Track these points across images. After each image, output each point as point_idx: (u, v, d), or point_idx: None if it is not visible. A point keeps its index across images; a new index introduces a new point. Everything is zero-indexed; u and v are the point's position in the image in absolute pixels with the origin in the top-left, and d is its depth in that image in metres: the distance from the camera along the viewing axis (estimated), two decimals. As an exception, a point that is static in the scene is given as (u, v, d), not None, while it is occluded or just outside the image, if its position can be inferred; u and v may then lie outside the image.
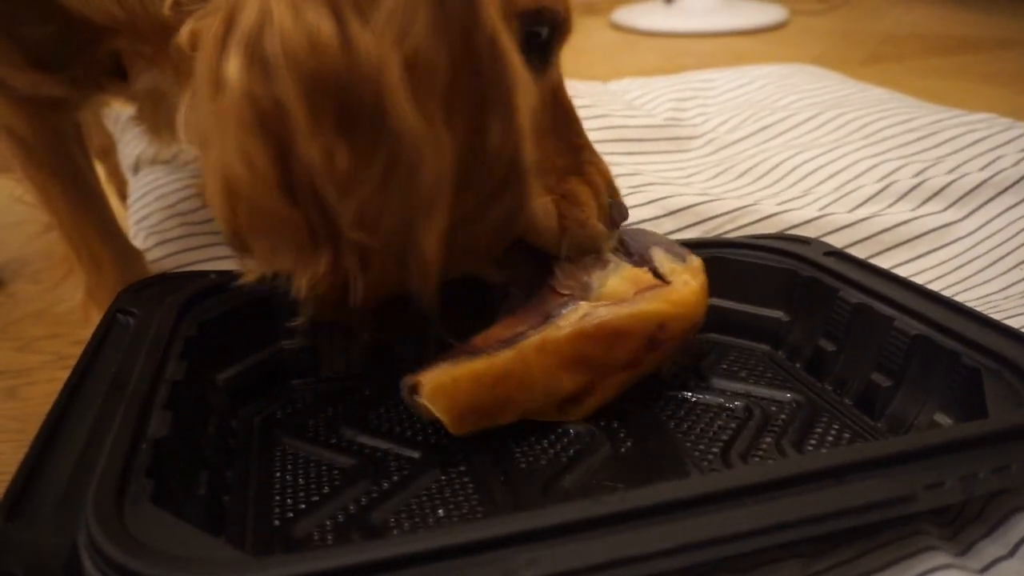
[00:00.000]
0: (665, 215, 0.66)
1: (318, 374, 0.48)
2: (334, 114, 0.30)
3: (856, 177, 0.73)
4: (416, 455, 0.42)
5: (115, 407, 0.34)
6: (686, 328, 0.44)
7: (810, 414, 0.45)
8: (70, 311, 0.64)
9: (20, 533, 0.27)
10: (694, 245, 0.51)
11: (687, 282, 0.43)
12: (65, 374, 0.68)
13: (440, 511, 0.37)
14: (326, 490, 0.39)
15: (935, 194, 0.67)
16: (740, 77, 0.97)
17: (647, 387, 0.46)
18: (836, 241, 0.60)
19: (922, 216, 0.65)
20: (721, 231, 0.65)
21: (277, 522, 0.37)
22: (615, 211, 0.44)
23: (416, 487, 0.39)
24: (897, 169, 0.72)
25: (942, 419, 0.40)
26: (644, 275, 0.43)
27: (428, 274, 0.35)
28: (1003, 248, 0.61)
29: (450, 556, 0.25)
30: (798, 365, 0.49)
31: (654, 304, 0.40)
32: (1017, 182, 0.66)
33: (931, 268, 0.62)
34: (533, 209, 0.40)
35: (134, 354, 0.38)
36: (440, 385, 0.39)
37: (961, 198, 0.66)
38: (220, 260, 0.66)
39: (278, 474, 0.40)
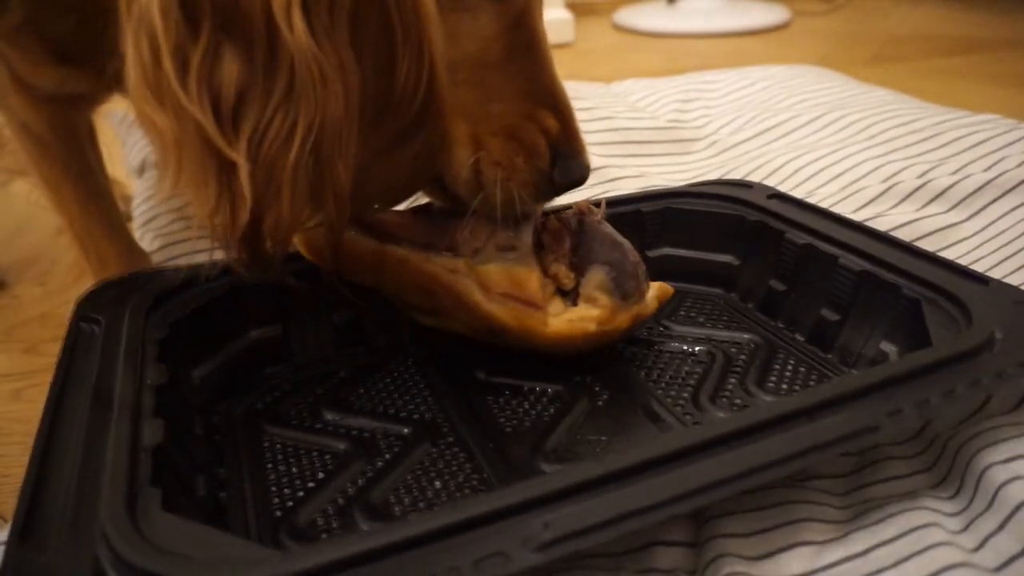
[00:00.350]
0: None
1: (292, 361, 0.48)
2: (216, 23, 0.29)
3: (860, 178, 0.73)
4: (405, 431, 0.42)
5: (104, 420, 0.33)
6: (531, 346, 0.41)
7: (768, 353, 0.47)
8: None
9: (35, 556, 0.27)
10: (645, 198, 0.53)
11: (573, 320, 0.40)
12: (71, 376, 0.69)
13: (437, 483, 0.38)
14: (321, 475, 0.39)
15: (939, 195, 0.67)
16: (743, 79, 0.97)
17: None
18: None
19: (926, 217, 0.65)
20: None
21: (279, 512, 0.37)
22: (559, 172, 0.40)
23: (410, 462, 0.39)
24: (901, 170, 0.72)
25: (887, 347, 0.43)
26: (531, 282, 0.39)
27: (340, 205, 0.34)
28: (1008, 249, 0.61)
29: (470, 528, 0.26)
30: (751, 306, 0.52)
31: (500, 312, 0.39)
32: (1021, 183, 0.66)
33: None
34: (453, 156, 0.38)
35: (110, 364, 0.37)
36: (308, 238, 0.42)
37: (965, 199, 0.66)
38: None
39: (270, 465, 0.40)
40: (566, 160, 0.40)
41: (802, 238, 0.49)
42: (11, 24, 0.45)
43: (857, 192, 0.70)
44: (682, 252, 0.54)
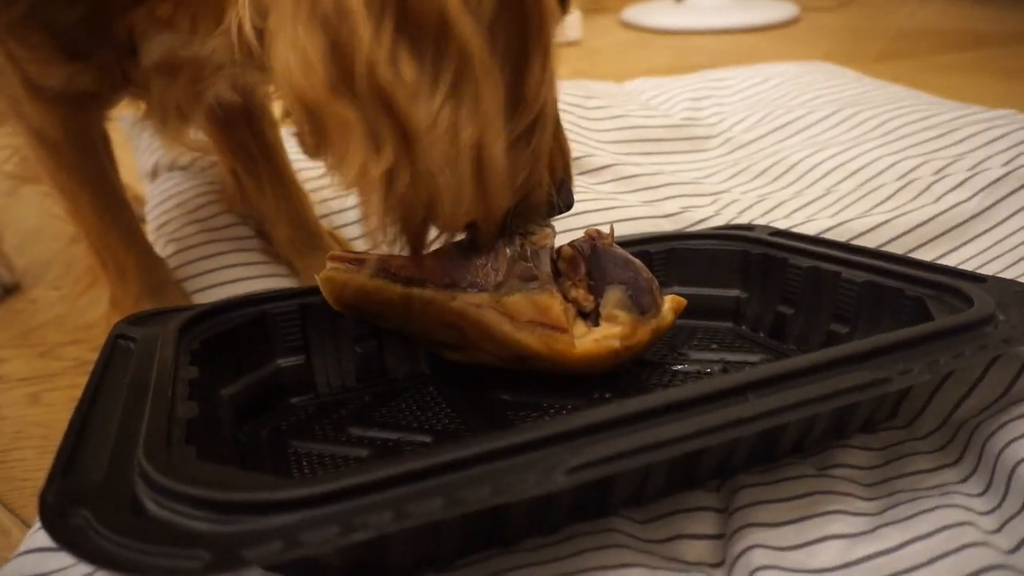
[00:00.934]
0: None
1: (315, 391, 0.48)
2: (396, 21, 0.31)
3: (876, 175, 0.72)
4: (428, 439, 0.42)
5: (141, 400, 0.35)
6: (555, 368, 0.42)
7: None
8: (94, 322, 0.64)
9: (77, 485, 0.29)
10: (651, 240, 0.55)
11: (598, 340, 0.42)
12: (87, 380, 0.69)
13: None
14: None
15: (954, 189, 0.67)
16: (755, 76, 0.97)
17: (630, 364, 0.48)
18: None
19: (945, 211, 0.64)
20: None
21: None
22: (563, 194, 0.42)
23: None
24: (918, 166, 0.72)
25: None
26: (555, 307, 0.41)
27: (499, 193, 0.36)
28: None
29: (504, 456, 0.28)
30: (761, 334, 0.53)
31: (529, 339, 0.41)
32: (1040, 178, 0.65)
33: (966, 261, 0.61)
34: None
35: (146, 364, 0.38)
36: (331, 279, 0.43)
37: (983, 193, 0.65)
38: (240, 267, 0.66)
39: (295, 471, 0.40)
40: (565, 184, 0.42)
41: (805, 261, 0.50)
42: (15, 16, 0.45)
43: (875, 189, 0.69)
44: (690, 290, 0.55)
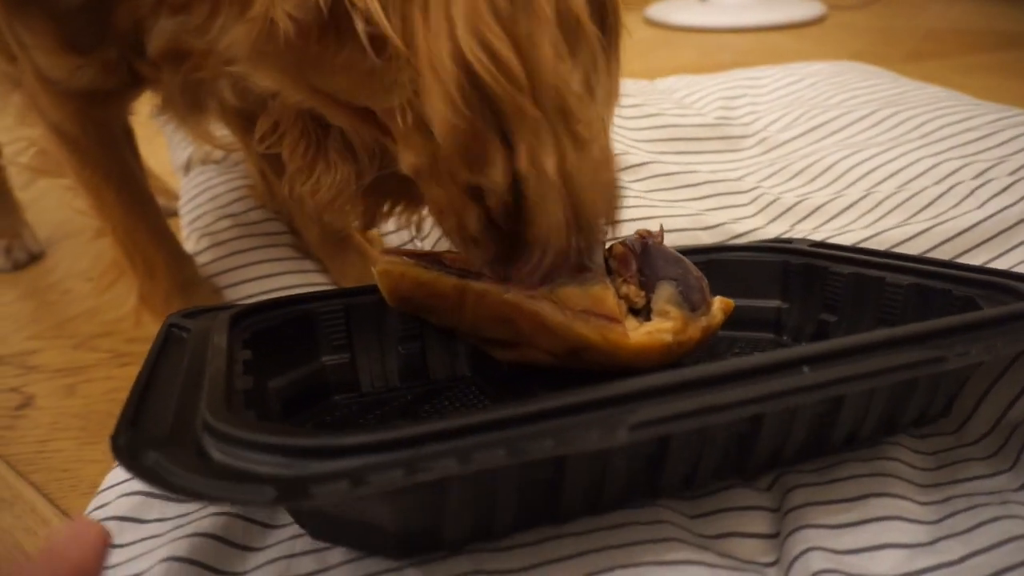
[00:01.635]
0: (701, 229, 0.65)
1: (359, 389, 0.49)
2: (557, 14, 0.32)
3: (916, 177, 0.71)
4: None
5: (198, 374, 0.35)
6: (615, 365, 0.43)
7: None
8: (122, 317, 0.64)
9: (143, 435, 0.30)
10: (689, 252, 0.54)
11: (651, 332, 0.42)
12: (122, 371, 0.69)
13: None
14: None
15: (999, 193, 0.65)
16: (789, 75, 0.96)
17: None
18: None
19: (989, 217, 0.63)
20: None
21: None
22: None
23: None
24: (958, 169, 0.70)
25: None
26: (608, 297, 0.41)
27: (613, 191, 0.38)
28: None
29: (567, 413, 0.29)
30: (803, 343, 0.52)
31: (584, 329, 0.41)
32: (1086, 183, 0.64)
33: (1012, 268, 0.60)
34: None
35: (200, 348, 0.39)
36: (388, 272, 0.45)
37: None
38: (272, 262, 0.66)
39: None
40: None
41: (847, 268, 0.50)
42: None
43: (916, 193, 0.68)
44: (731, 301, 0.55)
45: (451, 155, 0.34)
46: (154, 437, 0.30)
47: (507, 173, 0.34)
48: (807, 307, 0.52)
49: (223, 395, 0.32)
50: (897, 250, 0.61)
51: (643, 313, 0.44)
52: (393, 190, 0.47)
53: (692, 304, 0.43)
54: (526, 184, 0.34)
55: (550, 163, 0.33)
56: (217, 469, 0.27)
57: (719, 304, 0.46)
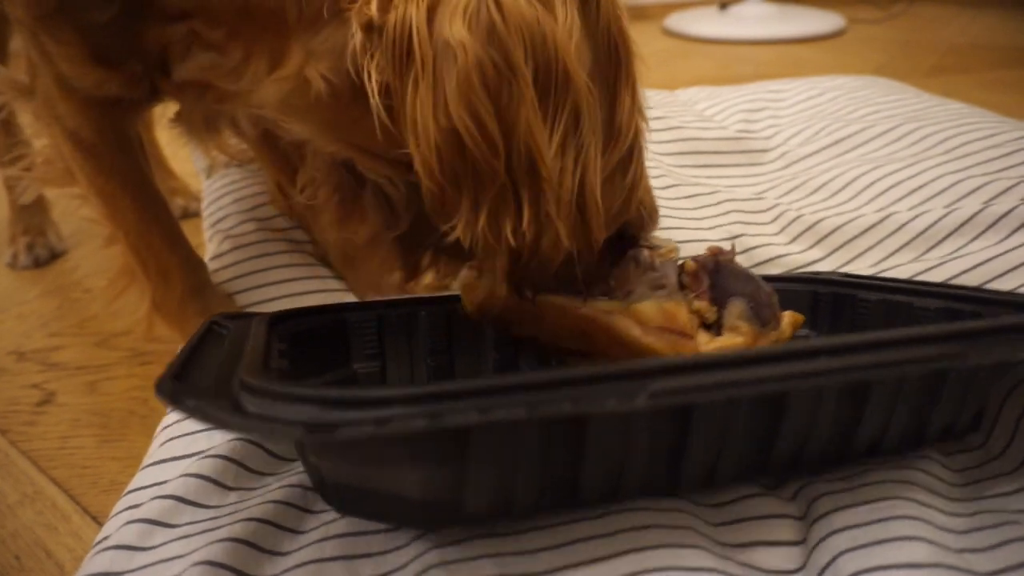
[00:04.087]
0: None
1: None
2: (537, 76, 0.34)
3: (937, 194, 0.71)
4: None
5: (237, 357, 0.36)
6: None
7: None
8: (134, 323, 0.64)
9: (188, 389, 0.32)
10: None
11: (721, 348, 0.44)
12: (142, 370, 0.70)
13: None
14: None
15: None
16: (811, 88, 0.95)
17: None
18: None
19: (1007, 252, 0.62)
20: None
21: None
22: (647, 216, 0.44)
23: None
24: (981, 187, 0.70)
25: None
26: (682, 313, 0.43)
27: (598, 226, 0.38)
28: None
29: (590, 382, 0.30)
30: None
31: (658, 344, 0.42)
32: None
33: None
34: None
35: (240, 340, 0.40)
36: (471, 286, 0.46)
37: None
38: (294, 267, 0.66)
39: None
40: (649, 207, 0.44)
41: (874, 295, 0.50)
42: (48, 8, 0.45)
43: (950, 211, 0.67)
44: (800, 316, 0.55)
45: (430, 211, 0.37)
46: (194, 388, 0.32)
47: (469, 231, 0.36)
48: (835, 334, 0.52)
49: (261, 364, 0.34)
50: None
51: (714, 328, 0.45)
52: (433, 242, 0.48)
53: (762, 320, 0.44)
54: (479, 241, 0.37)
55: (508, 226, 0.35)
56: (252, 415, 0.29)
57: (789, 319, 0.46)
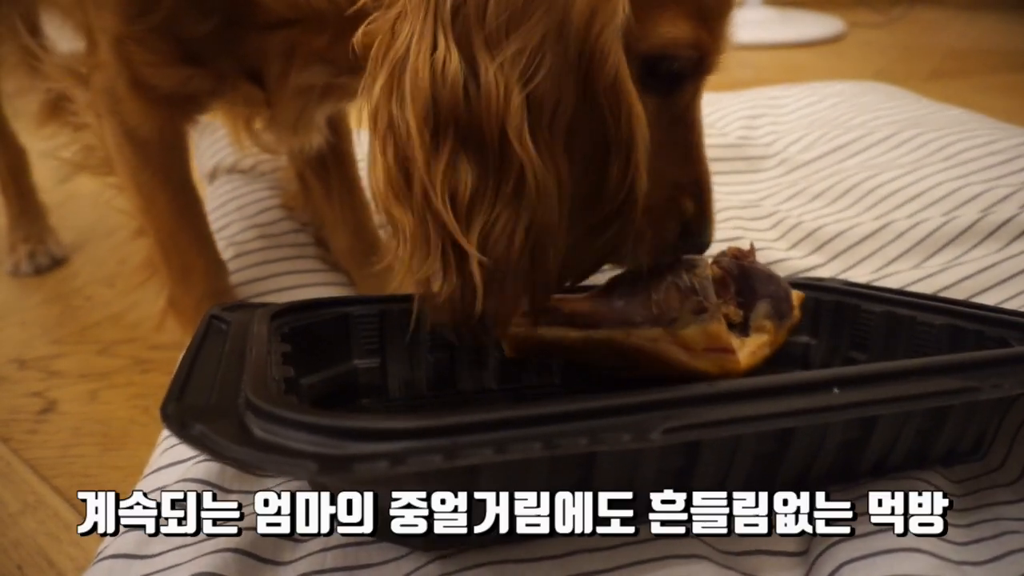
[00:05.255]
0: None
1: (387, 394, 0.49)
2: (457, 138, 0.33)
3: (937, 201, 0.71)
4: None
5: (239, 359, 0.36)
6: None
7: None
8: (146, 317, 0.64)
9: (191, 405, 0.32)
10: None
11: (754, 352, 0.45)
12: (144, 378, 0.70)
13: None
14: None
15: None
16: (811, 94, 0.96)
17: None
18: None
19: (1006, 260, 0.62)
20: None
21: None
22: (682, 244, 0.43)
23: None
24: (981, 194, 0.70)
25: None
26: (723, 332, 0.44)
27: (546, 291, 0.38)
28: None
29: (603, 415, 0.30)
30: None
31: (705, 365, 0.43)
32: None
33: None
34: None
35: (241, 337, 0.40)
36: (513, 336, 0.45)
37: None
38: (299, 274, 0.66)
39: None
40: (692, 236, 0.43)
41: (878, 307, 0.50)
42: (150, 25, 0.46)
43: (937, 230, 0.67)
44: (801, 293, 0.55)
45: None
46: (199, 410, 0.31)
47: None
48: (836, 344, 0.53)
49: (264, 379, 0.33)
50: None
51: (738, 327, 0.46)
52: None
53: (782, 314, 0.46)
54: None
55: (420, 269, 0.36)
56: (260, 443, 0.28)
57: (796, 300, 0.48)
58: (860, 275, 0.65)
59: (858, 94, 0.94)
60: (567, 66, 0.32)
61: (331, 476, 0.27)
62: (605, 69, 0.32)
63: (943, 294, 0.60)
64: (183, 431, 0.29)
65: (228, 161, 0.80)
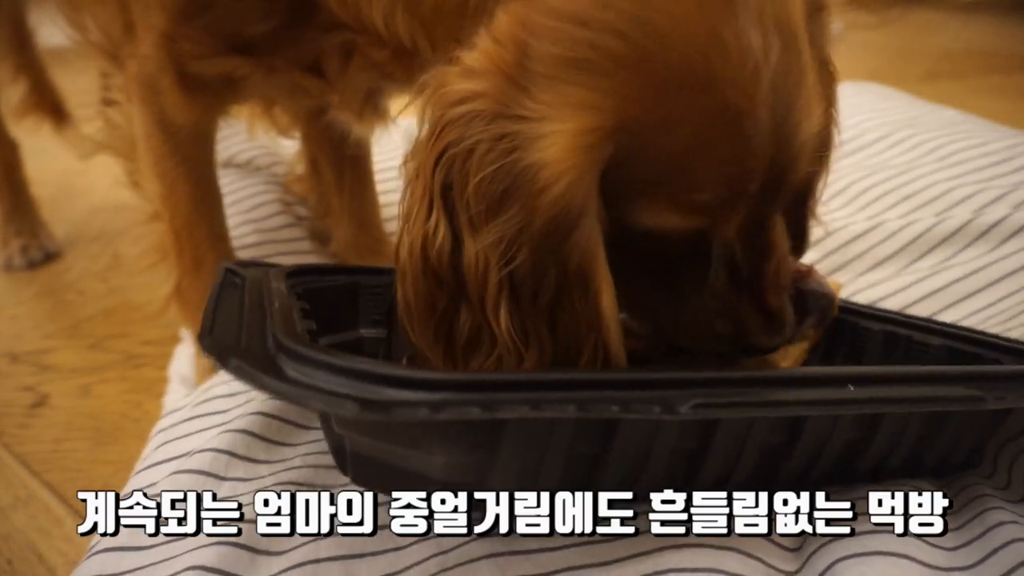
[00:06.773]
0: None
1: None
2: (449, 295, 0.35)
3: (930, 202, 0.71)
4: None
5: (260, 308, 0.36)
6: None
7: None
8: (147, 302, 0.63)
9: (221, 340, 0.33)
10: None
11: (797, 358, 0.48)
12: (136, 373, 0.70)
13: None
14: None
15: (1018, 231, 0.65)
16: (805, 94, 0.96)
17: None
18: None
19: (1002, 259, 0.62)
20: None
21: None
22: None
23: None
24: (974, 194, 0.71)
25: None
26: (798, 353, 0.48)
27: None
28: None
29: (637, 387, 0.31)
30: None
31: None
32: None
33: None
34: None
35: (259, 290, 0.40)
36: None
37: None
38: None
39: None
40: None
41: (876, 325, 0.51)
42: (204, 23, 0.46)
43: (941, 223, 0.67)
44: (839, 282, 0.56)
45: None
46: (231, 346, 0.31)
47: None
48: (830, 360, 0.53)
49: (294, 326, 0.34)
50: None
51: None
52: None
53: (826, 318, 0.48)
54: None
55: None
56: (298, 383, 0.28)
57: (835, 288, 0.49)
58: (851, 273, 0.66)
59: (853, 95, 0.95)
60: (545, 254, 0.33)
61: (371, 416, 0.27)
62: (572, 263, 0.34)
63: (933, 297, 0.61)
64: (224, 363, 0.29)
65: (224, 155, 0.80)
